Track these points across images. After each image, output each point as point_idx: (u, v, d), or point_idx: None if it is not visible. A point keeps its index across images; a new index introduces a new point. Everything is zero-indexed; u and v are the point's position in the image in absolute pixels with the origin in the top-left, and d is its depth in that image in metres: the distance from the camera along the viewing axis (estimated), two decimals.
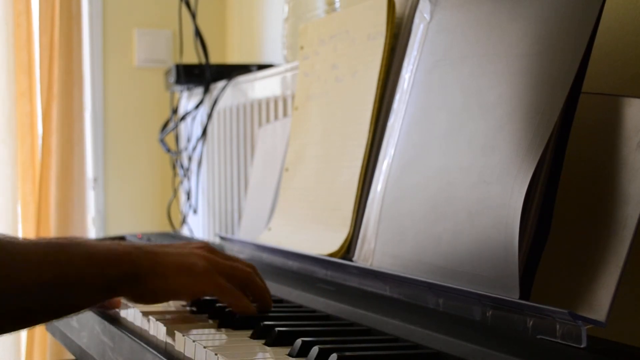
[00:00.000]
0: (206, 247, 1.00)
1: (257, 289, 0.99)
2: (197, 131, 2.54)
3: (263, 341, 0.87)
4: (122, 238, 1.96)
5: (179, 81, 2.46)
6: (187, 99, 2.60)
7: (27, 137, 2.91)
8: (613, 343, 0.78)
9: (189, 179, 2.63)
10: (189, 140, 2.60)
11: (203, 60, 2.44)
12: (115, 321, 1.09)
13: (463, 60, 1.01)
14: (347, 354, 0.77)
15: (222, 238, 1.64)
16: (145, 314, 1.02)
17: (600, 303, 0.78)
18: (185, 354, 0.88)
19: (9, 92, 2.90)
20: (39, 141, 2.92)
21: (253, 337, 0.89)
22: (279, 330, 0.86)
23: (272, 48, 2.55)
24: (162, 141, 2.65)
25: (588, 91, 0.87)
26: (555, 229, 0.87)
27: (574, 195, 0.86)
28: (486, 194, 0.91)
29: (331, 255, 1.20)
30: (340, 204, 1.25)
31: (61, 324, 1.30)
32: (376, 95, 1.23)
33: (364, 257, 1.13)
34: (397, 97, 1.15)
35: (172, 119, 2.68)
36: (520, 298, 0.84)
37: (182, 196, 2.70)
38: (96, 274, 0.91)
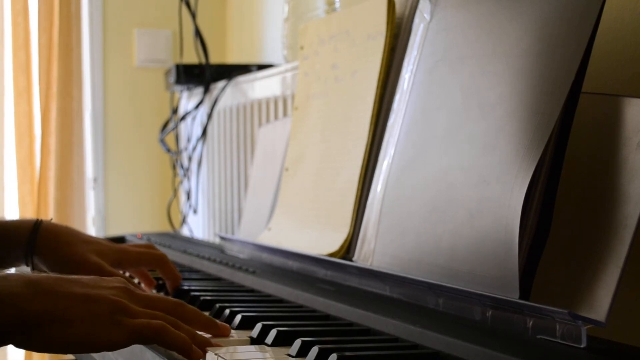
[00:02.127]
0: (122, 287, 0.84)
1: (189, 315, 0.87)
2: (197, 131, 2.54)
3: (263, 341, 0.87)
4: (122, 238, 1.96)
5: (179, 81, 2.46)
6: (187, 99, 2.60)
7: (25, 137, 2.91)
8: (613, 343, 0.78)
9: (189, 179, 2.63)
10: (189, 140, 2.60)
11: (203, 60, 2.44)
12: None
13: (463, 60, 1.01)
14: (347, 354, 0.77)
15: (222, 238, 1.64)
16: None
17: (600, 303, 0.78)
18: None
19: (6, 92, 2.90)
20: (38, 141, 2.92)
21: (253, 336, 0.89)
22: (278, 330, 0.86)
23: (272, 48, 2.55)
24: (162, 141, 2.65)
25: (588, 91, 0.87)
26: (555, 229, 0.87)
27: (574, 196, 0.86)
28: (486, 194, 0.91)
29: (331, 255, 1.20)
30: (340, 204, 1.25)
31: None
32: (376, 95, 1.23)
33: (364, 257, 1.13)
34: (397, 97, 1.15)
35: (172, 119, 2.68)
36: (520, 298, 0.84)
37: (182, 196, 2.70)
38: None
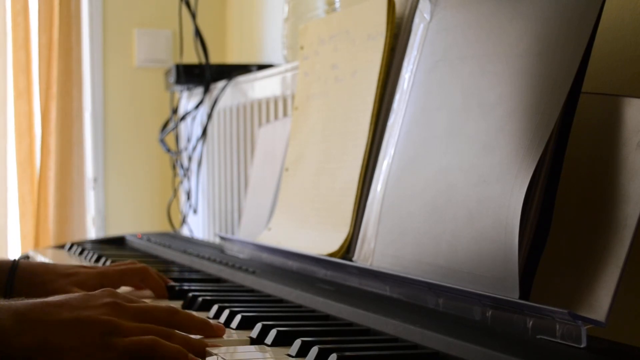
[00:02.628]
0: (111, 303, 0.82)
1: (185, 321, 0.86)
2: (197, 131, 2.54)
3: (263, 341, 0.87)
4: (122, 238, 1.96)
5: (179, 81, 2.46)
6: (187, 99, 2.60)
7: (25, 137, 2.91)
8: (613, 343, 0.78)
9: (189, 179, 2.63)
10: (189, 140, 2.60)
11: (203, 60, 2.44)
12: None
13: (463, 60, 1.01)
14: (347, 354, 0.77)
15: (222, 238, 1.64)
16: None
17: (600, 303, 0.78)
18: None
19: (6, 92, 2.90)
20: (38, 141, 2.92)
21: (253, 337, 0.89)
22: (278, 330, 0.86)
23: (272, 48, 2.55)
24: (162, 141, 2.65)
25: (588, 91, 0.87)
26: (555, 229, 0.87)
27: (574, 195, 0.86)
28: (486, 194, 0.91)
29: (331, 255, 1.20)
30: (340, 204, 1.25)
31: None
32: (376, 95, 1.23)
33: (364, 257, 1.13)
34: (397, 97, 1.15)
35: (172, 119, 2.68)
36: (520, 298, 0.84)
37: (182, 196, 2.70)
38: None
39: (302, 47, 1.48)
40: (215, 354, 0.81)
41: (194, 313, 1.06)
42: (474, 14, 1.02)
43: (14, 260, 1.16)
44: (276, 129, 1.67)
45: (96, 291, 0.84)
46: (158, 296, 1.20)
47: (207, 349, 0.83)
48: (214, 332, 0.87)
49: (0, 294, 1.13)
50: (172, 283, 1.23)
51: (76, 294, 0.83)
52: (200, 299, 1.08)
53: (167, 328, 0.83)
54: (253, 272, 1.25)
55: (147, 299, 1.07)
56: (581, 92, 0.87)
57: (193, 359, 0.80)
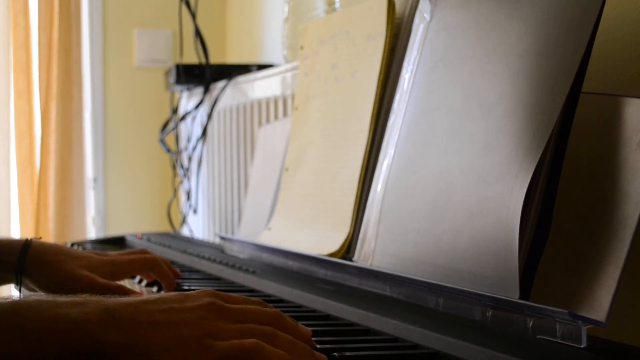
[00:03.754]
0: (210, 304, 0.74)
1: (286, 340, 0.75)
2: (197, 131, 2.54)
3: None
4: (122, 238, 1.96)
5: (179, 81, 2.46)
6: (187, 99, 2.60)
7: (25, 136, 2.91)
8: (613, 343, 0.78)
9: (189, 179, 2.63)
10: (189, 140, 2.60)
11: (203, 60, 2.44)
12: None
13: (463, 60, 1.01)
14: (347, 354, 0.77)
15: (222, 238, 1.64)
16: None
17: (600, 303, 0.78)
18: None
19: (6, 92, 2.90)
20: (38, 141, 2.92)
21: None
22: None
23: (272, 48, 2.55)
24: (162, 141, 2.65)
25: (588, 91, 0.87)
26: (555, 229, 0.87)
27: (574, 195, 0.86)
28: (486, 194, 0.91)
29: (331, 255, 1.20)
30: (340, 204, 1.25)
31: None
32: (376, 95, 1.23)
33: (364, 257, 1.13)
34: (397, 97, 1.15)
35: (172, 119, 2.68)
36: (520, 298, 0.84)
37: (182, 196, 2.70)
38: (24, 354, 0.65)
39: (302, 47, 1.48)
40: None
41: None
42: (474, 14, 1.02)
43: (27, 239, 1.14)
44: (276, 129, 1.67)
45: (194, 291, 0.77)
46: (167, 288, 1.21)
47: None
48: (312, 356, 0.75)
49: (12, 272, 1.13)
50: (182, 277, 1.23)
51: (172, 294, 0.76)
52: None
53: (272, 329, 0.74)
54: (253, 272, 1.25)
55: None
56: (581, 92, 0.87)
57: (306, 355, 0.73)
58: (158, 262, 1.21)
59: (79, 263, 1.15)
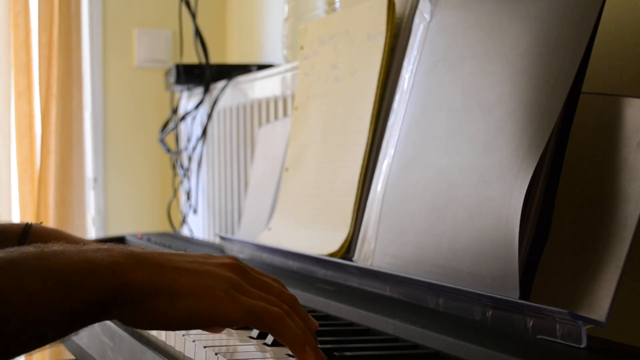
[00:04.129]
0: (234, 265, 0.75)
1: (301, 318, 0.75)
2: (197, 131, 2.54)
3: (263, 341, 0.87)
4: (122, 238, 1.96)
5: (179, 81, 2.46)
6: (187, 99, 2.60)
7: (26, 137, 2.91)
8: (613, 343, 0.78)
9: (189, 179, 2.63)
10: (189, 140, 2.60)
11: (203, 60, 2.44)
12: (115, 321, 1.09)
13: (463, 61, 1.01)
14: (347, 354, 0.77)
15: (222, 238, 1.64)
16: None
17: (600, 303, 0.78)
18: (185, 353, 0.88)
19: (6, 92, 2.90)
20: (38, 141, 2.92)
21: (253, 337, 0.89)
22: None
23: (272, 48, 2.55)
24: (162, 141, 2.65)
25: (588, 91, 0.87)
26: (555, 229, 0.87)
27: (574, 196, 0.86)
28: (486, 194, 0.91)
29: (331, 255, 1.20)
30: (340, 204, 1.25)
31: None
32: (376, 95, 1.23)
33: (364, 257, 1.13)
34: (397, 97, 1.15)
35: (172, 119, 2.68)
36: (520, 298, 0.84)
37: (182, 196, 2.70)
38: (56, 298, 0.66)
39: (302, 47, 1.48)
40: (216, 354, 0.81)
41: None
42: (474, 14, 1.02)
43: (27, 223, 1.12)
44: (276, 129, 1.67)
45: (220, 255, 0.78)
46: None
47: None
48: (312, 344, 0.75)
49: None
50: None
51: (197, 253, 0.76)
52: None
53: (289, 308, 0.75)
54: None
55: None
56: (581, 92, 0.87)
57: (308, 351, 0.73)
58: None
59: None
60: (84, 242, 1.16)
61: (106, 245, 0.72)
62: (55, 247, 0.70)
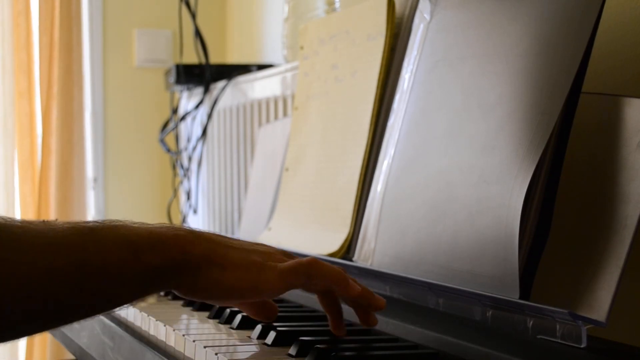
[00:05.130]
0: (280, 250, 0.85)
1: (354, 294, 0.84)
2: (197, 131, 2.54)
3: (263, 341, 0.87)
4: None
5: (179, 81, 2.46)
6: (187, 99, 2.60)
7: (26, 137, 2.92)
8: (613, 343, 0.78)
9: (189, 179, 2.63)
10: (189, 140, 2.60)
11: (203, 60, 2.44)
12: (115, 321, 1.09)
13: (463, 60, 1.01)
14: (347, 354, 0.77)
15: None
16: (146, 313, 1.02)
17: (600, 303, 0.78)
18: (185, 353, 0.88)
19: (7, 93, 2.90)
20: (39, 141, 2.92)
21: (253, 336, 0.89)
22: (278, 330, 0.86)
23: (272, 48, 2.55)
24: (162, 141, 2.65)
25: (588, 91, 0.87)
26: (555, 228, 0.87)
27: (574, 195, 0.86)
28: (486, 194, 0.91)
29: (331, 255, 1.20)
30: (340, 204, 1.25)
31: None
32: (376, 95, 1.23)
33: (364, 257, 1.13)
34: (397, 97, 1.15)
35: (172, 119, 2.68)
36: (520, 298, 0.84)
37: (182, 196, 2.70)
38: (129, 260, 0.74)
39: (302, 47, 1.48)
40: (216, 354, 0.81)
41: (195, 313, 1.06)
42: (474, 14, 1.02)
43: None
44: (276, 129, 1.67)
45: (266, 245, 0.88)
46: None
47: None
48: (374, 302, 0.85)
49: None
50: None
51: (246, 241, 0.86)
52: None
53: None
54: None
55: None
56: (581, 92, 0.87)
57: (354, 284, 0.82)
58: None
59: None
60: None
61: (167, 224, 0.80)
62: (119, 222, 0.78)
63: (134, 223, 0.78)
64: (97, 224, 0.76)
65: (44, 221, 0.75)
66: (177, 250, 0.76)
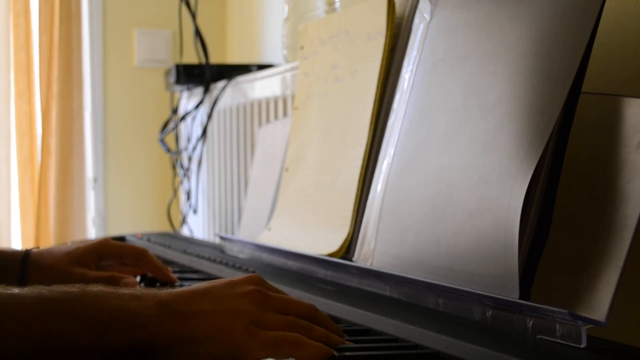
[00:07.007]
0: (256, 292, 0.79)
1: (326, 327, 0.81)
2: (197, 131, 2.54)
3: None
4: (122, 238, 1.96)
5: (179, 81, 2.46)
6: (187, 99, 2.60)
7: (26, 137, 2.92)
8: (613, 343, 0.78)
9: (189, 179, 2.63)
10: (189, 140, 2.60)
11: (203, 60, 2.44)
12: None
13: (463, 60, 1.01)
14: (347, 354, 0.77)
15: (222, 238, 1.64)
16: None
17: (600, 303, 0.78)
18: None
19: (7, 92, 2.90)
20: (38, 141, 2.92)
21: None
22: None
23: (272, 48, 2.55)
24: (162, 141, 2.65)
25: (588, 91, 0.87)
26: (555, 229, 0.87)
27: (574, 196, 0.86)
28: (486, 194, 0.91)
29: (331, 255, 1.20)
30: (340, 204, 1.25)
31: None
32: (376, 95, 1.23)
33: (364, 257, 1.13)
34: (397, 97, 1.15)
35: (172, 119, 2.68)
36: (520, 298, 0.84)
37: (182, 196, 2.70)
38: (93, 342, 0.71)
39: (302, 47, 1.48)
40: None
41: None
42: (474, 14, 1.02)
43: (25, 250, 1.20)
44: (276, 129, 1.67)
45: (241, 277, 0.82)
46: (162, 278, 1.25)
47: None
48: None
49: (14, 283, 1.16)
50: (173, 277, 1.25)
51: (221, 281, 0.81)
52: None
53: (309, 323, 0.80)
54: (253, 272, 1.25)
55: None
56: (581, 92, 0.87)
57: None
58: (147, 253, 1.25)
59: (69, 259, 1.19)
60: (69, 250, 1.22)
61: (139, 292, 0.76)
62: (96, 289, 0.75)
63: (107, 292, 0.74)
64: (66, 294, 0.73)
65: (8, 290, 0.72)
66: (143, 332, 0.72)
